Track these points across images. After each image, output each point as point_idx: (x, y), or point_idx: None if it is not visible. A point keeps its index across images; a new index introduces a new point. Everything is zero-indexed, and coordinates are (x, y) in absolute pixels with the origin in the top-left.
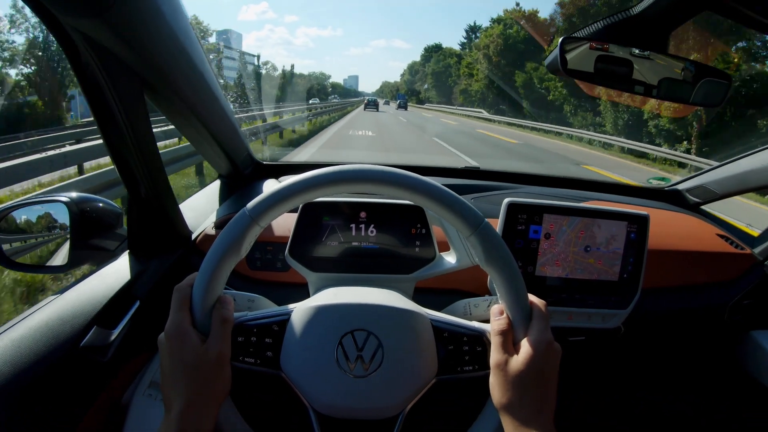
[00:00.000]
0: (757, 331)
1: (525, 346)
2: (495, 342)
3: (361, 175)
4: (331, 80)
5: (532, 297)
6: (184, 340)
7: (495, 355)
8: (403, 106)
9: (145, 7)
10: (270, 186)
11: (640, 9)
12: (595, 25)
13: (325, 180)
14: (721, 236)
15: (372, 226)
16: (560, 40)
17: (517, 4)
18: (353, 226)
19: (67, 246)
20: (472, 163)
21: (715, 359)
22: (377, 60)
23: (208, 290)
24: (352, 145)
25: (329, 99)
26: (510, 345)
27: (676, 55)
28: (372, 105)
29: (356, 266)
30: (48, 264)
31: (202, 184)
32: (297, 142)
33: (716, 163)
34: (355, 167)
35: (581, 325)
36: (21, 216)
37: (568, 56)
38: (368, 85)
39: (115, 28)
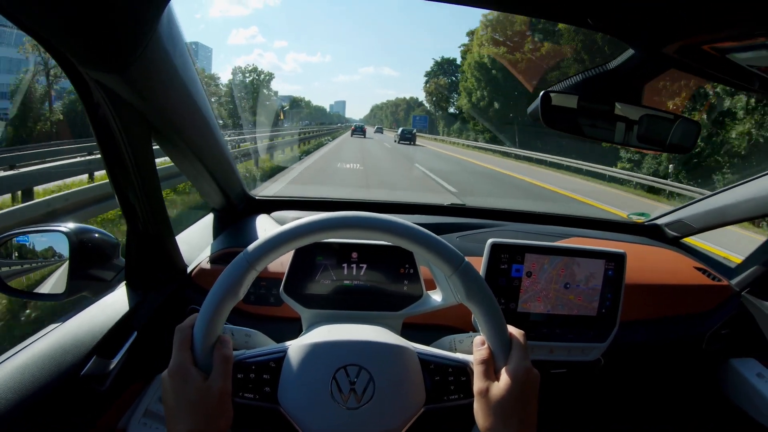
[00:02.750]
0: (735, 359)
1: (505, 374)
2: (477, 371)
3: (351, 222)
4: (276, 88)
5: (511, 328)
6: (187, 379)
7: (478, 383)
8: (407, 139)
9: (162, 63)
10: (262, 223)
11: (615, 65)
12: (574, 78)
13: (316, 228)
14: (699, 269)
15: (363, 265)
16: (541, 93)
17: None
18: (345, 265)
19: (64, 274)
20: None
21: (694, 387)
22: (365, 87)
23: (208, 331)
24: (337, 178)
25: (279, 123)
26: (491, 373)
27: (651, 106)
28: (359, 131)
29: (348, 303)
30: (45, 292)
31: None
32: None
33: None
34: (343, 216)
35: (562, 359)
36: (21, 243)
37: (552, 96)
38: (356, 112)
39: (132, 81)
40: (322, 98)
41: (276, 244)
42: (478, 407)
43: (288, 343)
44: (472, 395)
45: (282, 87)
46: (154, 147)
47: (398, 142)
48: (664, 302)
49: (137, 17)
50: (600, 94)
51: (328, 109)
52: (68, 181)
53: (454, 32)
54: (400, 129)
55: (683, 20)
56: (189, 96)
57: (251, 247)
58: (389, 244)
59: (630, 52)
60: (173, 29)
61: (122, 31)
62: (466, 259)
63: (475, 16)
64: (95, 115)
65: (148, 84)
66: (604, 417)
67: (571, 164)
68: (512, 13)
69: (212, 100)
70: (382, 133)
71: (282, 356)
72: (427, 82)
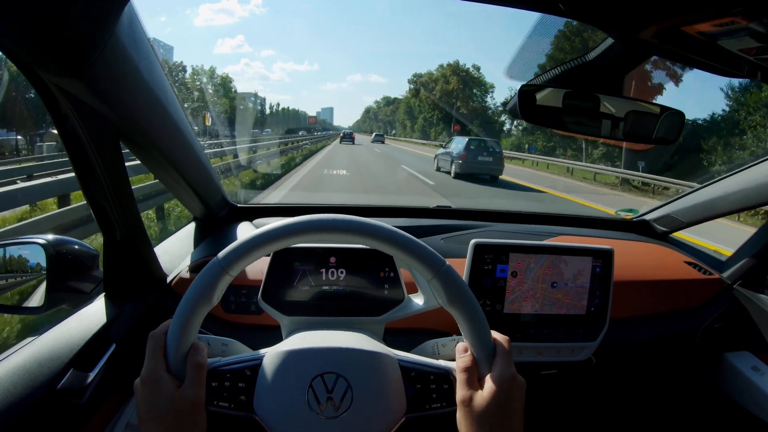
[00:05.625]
0: (730, 353)
1: (489, 382)
2: (460, 379)
3: (326, 224)
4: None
5: (495, 334)
6: (159, 386)
7: (461, 392)
8: (483, 164)
9: (123, 66)
10: (243, 230)
11: (593, 56)
12: (553, 71)
13: (290, 230)
14: (689, 263)
15: (342, 270)
16: (518, 87)
17: None
18: (323, 270)
19: (43, 287)
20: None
21: (689, 383)
22: (353, 94)
23: (181, 337)
24: (325, 185)
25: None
26: (475, 381)
27: (632, 97)
28: (348, 138)
29: (327, 309)
30: (24, 305)
31: None
32: None
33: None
34: (321, 218)
35: (552, 359)
36: None
37: (537, 96)
38: (343, 119)
39: (92, 85)
40: (309, 106)
41: (250, 247)
42: (461, 417)
43: (264, 350)
44: (454, 404)
45: (271, 97)
46: (132, 161)
47: (457, 176)
48: (655, 298)
49: (93, 18)
50: (580, 86)
51: (314, 116)
52: None
53: (443, 36)
54: (463, 141)
55: (656, 1)
56: (156, 100)
57: (225, 251)
58: (368, 247)
59: (608, 41)
60: (135, 31)
61: (78, 32)
62: (449, 261)
63: (461, 23)
64: (62, 124)
65: (111, 88)
66: (597, 418)
67: (557, 163)
68: (485, 3)
69: (185, 105)
70: (382, 142)
71: (258, 364)
72: None
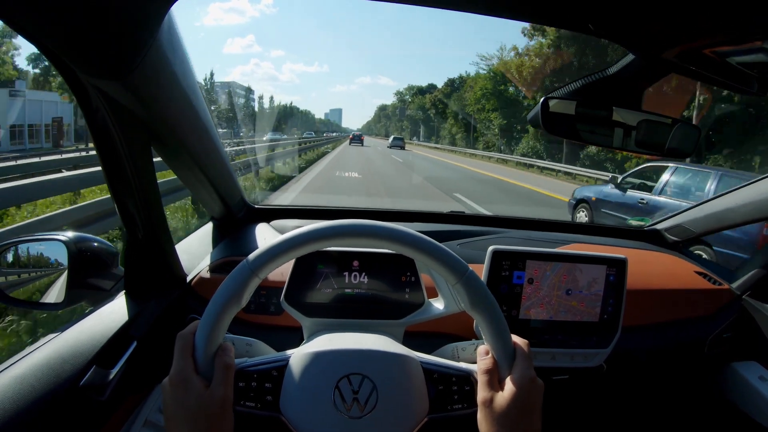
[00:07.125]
0: (737, 363)
1: (509, 384)
2: (481, 380)
3: (355, 230)
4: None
5: (515, 337)
6: (188, 387)
7: (482, 393)
8: None
9: (162, 70)
10: (261, 232)
11: (614, 70)
12: (574, 84)
13: (319, 235)
14: (699, 273)
15: (364, 273)
16: (541, 99)
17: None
18: (346, 273)
19: (63, 284)
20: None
21: (697, 392)
22: (362, 96)
23: (210, 338)
24: (339, 188)
25: None
26: (495, 383)
27: (649, 111)
28: (357, 140)
29: (349, 312)
30: (45, 301)
31: None
32: None
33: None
34: (350, 223)
35: (564, 365)
36: (19, 253)
37: (550, 103)
38: (352, 121)
39: (131, 88)
40: (318, 107)
41: (280, 251)
42: (482, 417)
43: (290, 351)
44: (475, 405)
45: (280, 98)
46: (155, 159)
47: None
48: (665, 307)
49: (138, 24)
50: (600, 100)
51: (322, 117)
52: None
53: (452, 41)
54: None
55: (684, 25)
56: (189, 103)
57: (254, 254)
58: (391, 252)
59: (630, 57)
60: (173, 36)
61: (123, 38)
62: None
63: (474, 26)
64: (94, 122)
65: (148, 91)
66: (606, 423)
67: (570, 170)
68: (513, 19)
69: (212, 108)
70: (402, 147)
71: (284, 365)
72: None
